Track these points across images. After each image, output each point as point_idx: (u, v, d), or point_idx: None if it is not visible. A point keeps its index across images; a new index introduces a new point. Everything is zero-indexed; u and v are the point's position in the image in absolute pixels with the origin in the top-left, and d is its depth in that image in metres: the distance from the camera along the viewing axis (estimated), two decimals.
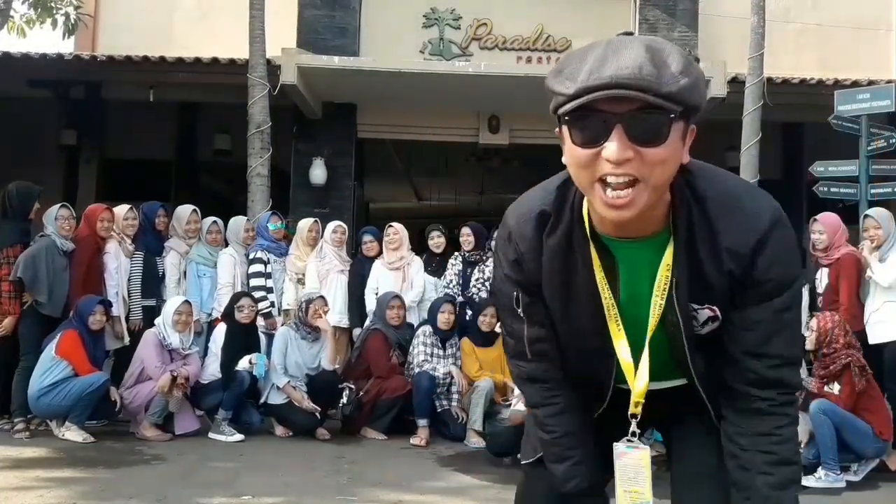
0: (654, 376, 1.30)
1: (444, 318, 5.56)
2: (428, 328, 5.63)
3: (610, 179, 1.11)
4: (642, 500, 1.31)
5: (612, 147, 1.09)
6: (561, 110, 1.12)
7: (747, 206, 1.25)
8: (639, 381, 1.29)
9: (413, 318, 5.92)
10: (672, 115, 1.11)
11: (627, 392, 1.34)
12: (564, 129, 1.14)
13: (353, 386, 5.48)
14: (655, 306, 1.25)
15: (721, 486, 1.33)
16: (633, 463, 1.32)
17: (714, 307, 1.26)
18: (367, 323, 5.95)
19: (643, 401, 1.31)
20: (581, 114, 1.09)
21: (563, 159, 1.20)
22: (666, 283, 1.24)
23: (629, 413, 1.32)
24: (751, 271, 1.23)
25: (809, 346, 4.58)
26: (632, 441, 1.34)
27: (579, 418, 1.42)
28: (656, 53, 1.09)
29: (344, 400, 5.40)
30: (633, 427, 1.33)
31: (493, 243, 5.53)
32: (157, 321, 5.39)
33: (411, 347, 5.63)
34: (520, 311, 1.33)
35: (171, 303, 5.40)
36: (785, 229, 1.24)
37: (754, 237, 1.22)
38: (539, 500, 1.53)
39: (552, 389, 1.40)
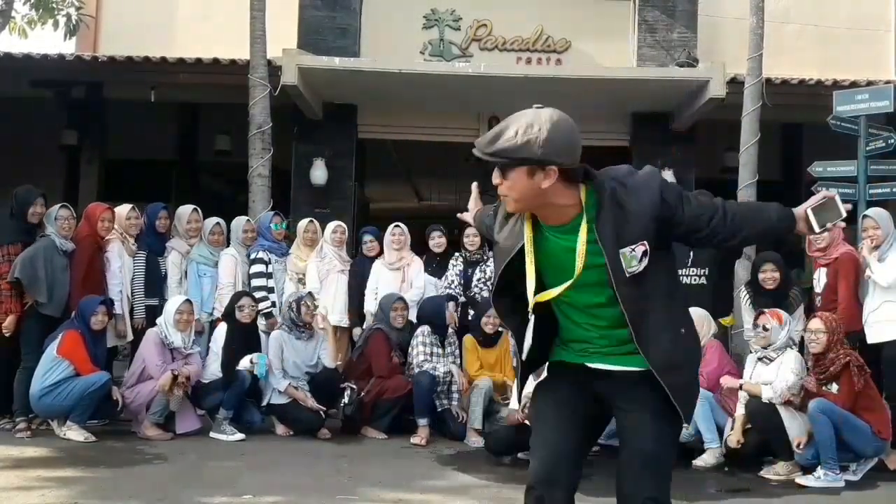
0: (586, 306, 1.95)
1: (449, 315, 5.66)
2: (426, 328, 5.63)
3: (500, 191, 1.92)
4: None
5: (493, 176, 1.89)
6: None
7: (638, 181, 1.90)
8: (538, 301, 1.94)
9: (414, 318, 5.94)
10: (505, 163, 1.84)
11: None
12: None
13: (354, 386, 5.49)
14: (581, 256, 1.85)
15: (657, 473, 1.88)
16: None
17: (644, 242, 1.82)
18: (367, 323, 5.96)
19: (539, 302, 1.95)
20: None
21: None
22: (585, 242, 1.85)
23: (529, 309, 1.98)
24: (669, 205, 1.86)
25: (818, 349, 4.56)
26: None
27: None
28: (515, 127, 1.81)
29: (345, 399, 5.41)
30: (526, 350, 2.03)
31: None
32: (158, 321, 5.40)
33: (410, 348, 5.64)
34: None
35: (173, 302, 5.41)
36: (662, 177, 1.96)
37: (655, 195, 1.86)
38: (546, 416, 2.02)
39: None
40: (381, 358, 5.54)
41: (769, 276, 5.26)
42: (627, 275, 1.81)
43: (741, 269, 5.76)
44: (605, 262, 1.82)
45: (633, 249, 1.81)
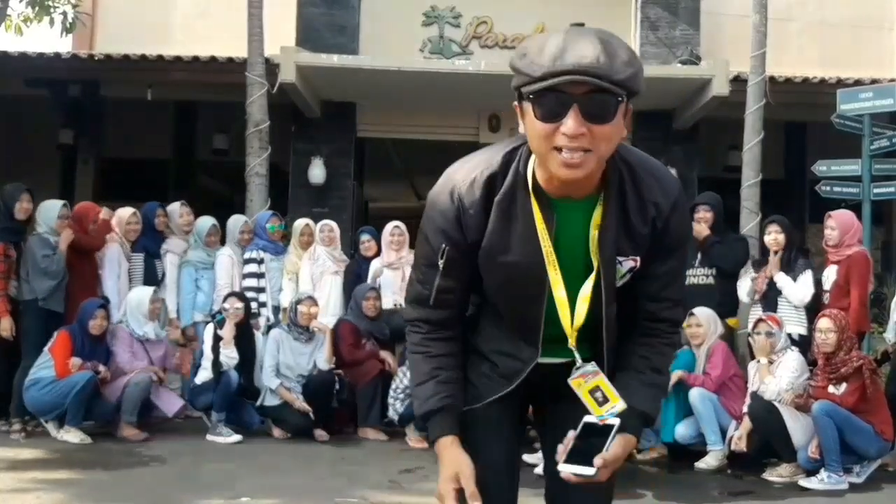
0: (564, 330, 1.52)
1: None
2: None
3: (565, 152, 1.32)
4: (617, 408, 1.45)
5: (569, 124, 1.30)
6: (525, 89, 1.33)
7: (663, 172, 1.52)
8: (577, 316, 1.50)
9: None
10: (619, 99, 1.31)
11: (542, 368, 1.56)
12: (527, 104, 1.35)
13: (340, 372, 5.49)
14: (595, 258, 1.47)
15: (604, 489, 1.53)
16: (593, 384, 1.49)
17: (636, 258, 1.49)
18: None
19: (577, 334, 1.51)
20: (544, 93, 1.30)
21: (521, 130, 1.41)
22: (596, 241, 1.46)
23: (569, 345, 1.51)
24: (667, 227, 1.48)
25: (828, 348, 4.51)
26: (580, 367, 1.51)
27: (460, 351, 1.60)
28: (608, 45, 1.30)
29: (337, 386, 5.39)
30: (578, 359, 1.51)
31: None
32: (121, 316, 5.43)
33: (405, 358, 5.55)
34: (440, 262, 1.50)
35: (141, 295, 5.42)
36: (685, 198, 1.55)
37: (672, 197, 1.48)
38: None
39: (440, 331, 1.57)
40: (344, 345, 5.56)
41: (773, 237, 5.24)
42: (617, 283, 1.50)
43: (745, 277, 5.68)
44: (597, 264, 1.46)
45: (622, 263, 1.48)
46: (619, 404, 1.44)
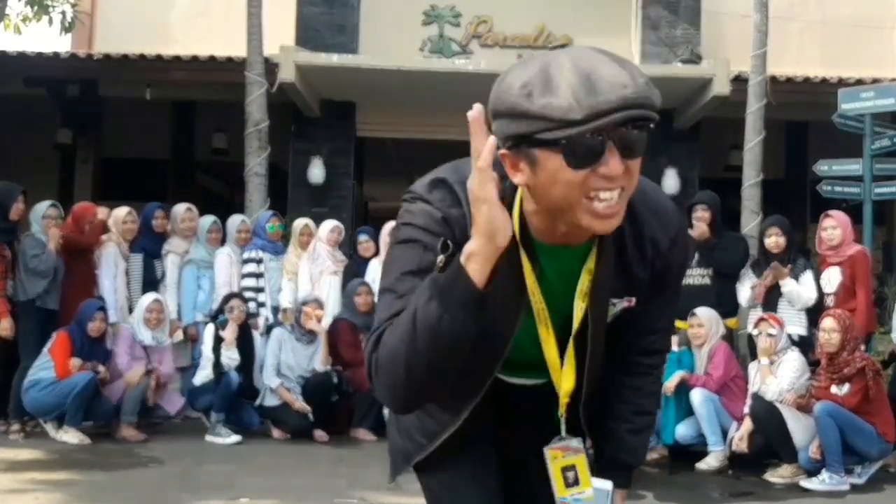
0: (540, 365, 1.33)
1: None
2: None
3: (603, 195, 1.11)
4: (584, 496, 1.33)
5: (612, 164, 1.10)
6: (548, 135, 1.07)
7: (663, 203, 1.35)
8: (565, 381, 1.32)
9: None
10: (652, 125, 1.11)
11: (504, 384, 1.40)
12: (541, 153, 1.10)
13: (339, 367, 5.47)
14: (578, 310, 1.28)
15: None
16: (570, 462, 1.34)
17: (632, 298, 1.33)
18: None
19: (568, 400, 1.34)
20: (579, 137, 1.07)
21: (518, 181, 1.15)
22: (587, 287, 1.27)
23: (558, 413, 1.34)
24: (667, 264, 1.33)
25: (832, 348, 4.49)
26: (564, 438, 1.35)
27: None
28: (625, 65, 1.09)
29: (335, 380, 5.38)
30: (563, 430, 1.35)
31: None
32: (129, 318, 5.44)
33: None
34: (440, 261, 1.12)
35: (142, 301, 5.44)
36: (686, 227, 1.44)
37: (672, 233, 1.33)
38: None
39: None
40: (346, 346, 5.53)
41: (774, 240, 5.20)
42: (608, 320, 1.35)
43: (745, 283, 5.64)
44: (581, 314, 1.29)
45: (615, 304, 1.33)
46: (587, 492, 1.32)
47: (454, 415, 1.37)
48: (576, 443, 1.35)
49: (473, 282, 1.08)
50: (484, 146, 1.07)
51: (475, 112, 1.09)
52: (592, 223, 1.13)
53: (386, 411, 5.30)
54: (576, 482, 1.32)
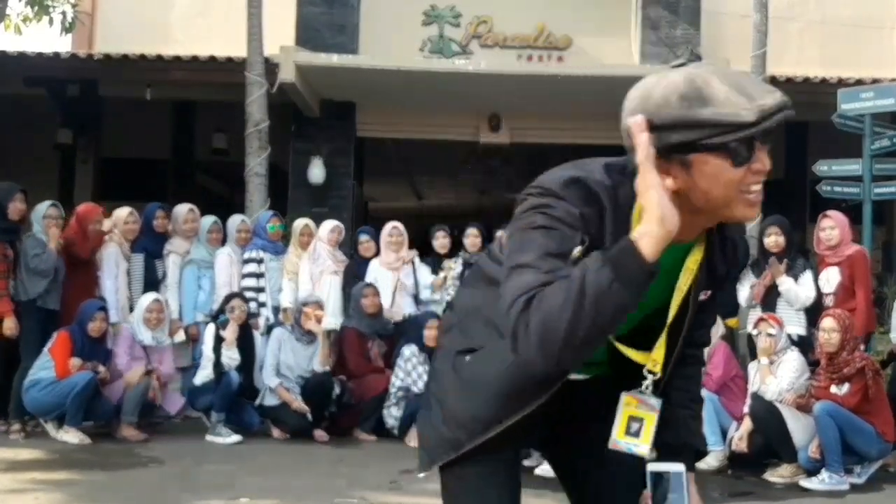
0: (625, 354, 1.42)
1: (431, 335, 5.27)
2: (414, 348, 5.35)
3: (754, 188, 1.26)
4: (639, 451, 1.35)
5: (765, 160, 1.25)
6: (722, 139, 1.20)
7: None
8: (656, 350, 1.41)
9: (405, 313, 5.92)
10: None
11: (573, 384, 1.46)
12: (705, 156, 1.22)
13: (343, 377, 5.45)
14: (676, 300, 1.39)
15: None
16: (642, 414, 1.39)
17: (708, 292, 1.45)
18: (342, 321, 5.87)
19: (657, 363, 1.42)
20: (744, 138, 1.21)
21: (669, 185, 1.24)
22: (690, 278, 1.38)
23: (645, 369, 1.41)
24: (734, 262, 1.47)
25: (831, 348, 4.49)
26: (645, 393, 1.40)
27: None
28: (746, 73, 1.33)
29: (337, 390, 5.34)
30: (650, 382, 1.40)
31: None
32: (130, 317, 5.45)
33: (396, 367, 5.40)
34: (578, 251, 1.24)
35: (142, 302, 5.44)
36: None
37: (742, 234, 1.49)
38: None
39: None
40: (353, 356, 5.52)
41: (773, 240, 5.21)
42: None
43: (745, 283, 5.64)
44: (688, 295, 1.40)
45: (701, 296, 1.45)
46: (643, 447, 1.36)
47: (519, 406, 1.42)
48: (654, 401, 1.39)
49: (644, 256, 1.18)
50: (642, 145, 1.20)
51: (638, 118, 1.22)
52: (747, 213, 1.28)
53: (386, 413, 5.35)
54: (636, 434, 1.36)
